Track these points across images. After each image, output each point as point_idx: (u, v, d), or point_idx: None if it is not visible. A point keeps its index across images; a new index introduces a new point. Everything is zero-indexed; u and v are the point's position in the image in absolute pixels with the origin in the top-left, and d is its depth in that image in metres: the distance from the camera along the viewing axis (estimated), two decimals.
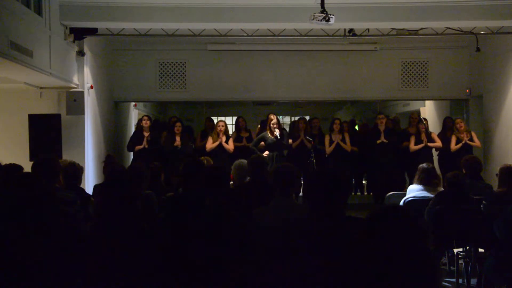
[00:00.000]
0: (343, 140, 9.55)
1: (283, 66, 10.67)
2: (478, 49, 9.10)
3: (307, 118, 10.15)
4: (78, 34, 8.21)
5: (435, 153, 9.70)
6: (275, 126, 8.86)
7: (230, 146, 9.16)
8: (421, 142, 9.26)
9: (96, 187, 6.45)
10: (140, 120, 9.85)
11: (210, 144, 9.12)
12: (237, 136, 9.70)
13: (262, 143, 9.01)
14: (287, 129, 10.22)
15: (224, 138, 9.12)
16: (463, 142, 9.09)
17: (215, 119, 10.40)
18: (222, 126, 9.22)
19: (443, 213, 5.27)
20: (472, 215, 5.23)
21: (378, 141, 9.42)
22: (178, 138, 9.23)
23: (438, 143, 9.37)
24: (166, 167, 7.37)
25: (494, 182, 6.45)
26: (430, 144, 9.31)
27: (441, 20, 8.10)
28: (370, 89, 10.81)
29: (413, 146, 9.31)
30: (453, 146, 9.15)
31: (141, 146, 9.23)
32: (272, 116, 9.07)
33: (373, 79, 10.71)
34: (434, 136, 9.48)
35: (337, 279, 2.47)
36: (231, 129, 10.79)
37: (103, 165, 7.46)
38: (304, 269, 2.59)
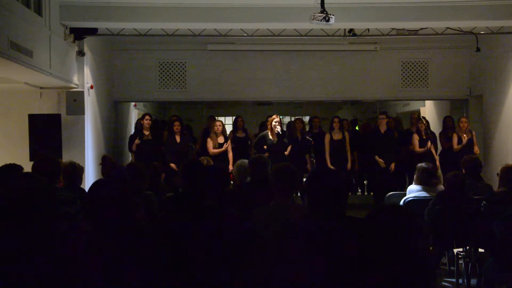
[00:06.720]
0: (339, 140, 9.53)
1: (283, 66, 10.66)
2: (478, 49, 9.10)
3: (307, 117, 10.08)
4: (78, 34, 8.22)
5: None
6: (276, 124, 8.74)
7: (229, 154, 9.17)
8: (423, 140, 9.25)
9: None
10: (141, 118, 9.78)
11: (212, 149, 9.11)
12: (233, 136, 9.71)
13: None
14: (285, 129, 10.18)
15: (226, 143, 9.15)
16: (464, 143, 9.01)
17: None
18: (220, 126, 9.23)
19: (443, 213, 5.28)
20: (472, 215, 5.24)
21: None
22: (178, 138, 9.21)
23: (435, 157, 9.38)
24: (165, 166, 7.39)
25: (494, 182, 6.46)
26: (433, 150, 9.31)
27: (441, 20, 8.10)
28: (370, 89, 10.80)
29: (418, 149, 9.26)
30: (455, 145, 9.11)
31: (135, 144, 9.19)
32: (275, 116, 8.97)
33: (373, 79, 10.71)
34: (433, 149, 9.41)
35: (336, 279, 2.47)
36: (228, 129, 10.74)
37: (100, 167, 7.45)
38: (303, 269, 2.59)
